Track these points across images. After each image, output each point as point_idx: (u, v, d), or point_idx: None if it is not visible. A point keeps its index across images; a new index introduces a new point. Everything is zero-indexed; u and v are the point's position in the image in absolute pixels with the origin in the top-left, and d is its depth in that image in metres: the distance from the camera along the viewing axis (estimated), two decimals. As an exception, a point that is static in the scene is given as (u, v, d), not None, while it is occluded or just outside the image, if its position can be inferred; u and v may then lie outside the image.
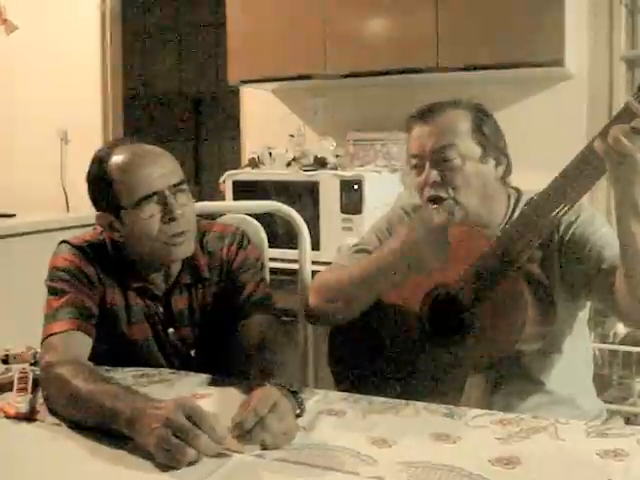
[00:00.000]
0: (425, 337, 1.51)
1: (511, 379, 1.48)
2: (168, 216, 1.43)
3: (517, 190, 1.59)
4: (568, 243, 1.46)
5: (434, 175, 1.49)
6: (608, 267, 1.36)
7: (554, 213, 1.34)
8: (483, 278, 1.40)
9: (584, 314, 1.56)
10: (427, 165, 1.51)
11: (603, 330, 2.59)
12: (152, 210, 1.43)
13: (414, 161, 1.55)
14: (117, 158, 1.45)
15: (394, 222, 1.66)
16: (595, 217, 1.48)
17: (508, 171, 1.57)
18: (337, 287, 1.55)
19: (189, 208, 1.48)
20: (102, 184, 1.46)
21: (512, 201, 1.56)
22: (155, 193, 1.42)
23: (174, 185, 1.45)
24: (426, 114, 1.54)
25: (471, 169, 1.49)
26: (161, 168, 1.44)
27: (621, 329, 2.56)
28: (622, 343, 2.54)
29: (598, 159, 1.21)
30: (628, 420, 2.36)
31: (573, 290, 1.47)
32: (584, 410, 1.51)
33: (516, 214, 1.49)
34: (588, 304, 1.56)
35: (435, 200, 1.51)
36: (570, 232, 1.46)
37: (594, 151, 1.20)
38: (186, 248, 1.48)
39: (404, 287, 1.54)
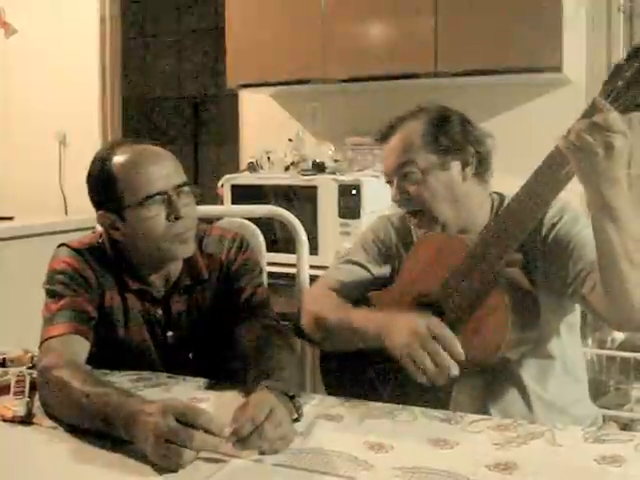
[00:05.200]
0: None
1: (500, 385, 1.47)
2: (173, 215, 1.44)
3: (500, 195, 1.59)
4: (551, 244, 1.45)
5: (398, 193, 1.54)
6: (590, 268, 1.35)
7: (527, 215, 1.34)
8: (463, 285, 1.40)
9: (573, 317, 1.55)
10: (394, 183, 1.55)
11: (601, 336, 2.60)
12: (157, 209, 1.44)
13: (385, 178, 1.60)
14: (120, 157, 1.46)
15: (380, 233, 1.67)
16: (579, 218, 1.47)
17: (484, 167, 1.55)
18: (323, 324, 1.52)
19: (191, 209, 1.49)
20: (105, 183, 1.46)
21: (495, 206, 1.57)
22: (159, 193, 1.43)
23: (178, 186, 1.46)
24: (385, 133, 1.58)
25: (433, 179, 1.51)
26: (165, 169, 1.46)
27: (619, 335, 2.56)
28: (620, 349, 2.54)
29: (566, 159, 1.20)
30: (625, 426, 2.36)
31: (557, 292, 1.45)
32: (577, 417, 1.50)
33: None
34: (577, 308, 1.55)
35: (412, 214, 1.55)
36: (553, 233, 1.45)
37: (561, 151, 1.19)
38: (189, 247, 1.50)
39: (388, 296, 1.56)
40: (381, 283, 1.62)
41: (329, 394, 1.59)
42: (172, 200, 1.44)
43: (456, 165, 1.52)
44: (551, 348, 1.50)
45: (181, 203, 1.45)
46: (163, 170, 1.45)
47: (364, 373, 1.58)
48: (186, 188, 1.48)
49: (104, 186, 1.47)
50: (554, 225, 1.46)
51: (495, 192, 1.60)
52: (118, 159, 1.46)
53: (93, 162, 1.50)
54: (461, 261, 1.41)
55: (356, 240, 1.75)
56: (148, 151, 1.48)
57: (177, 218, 1.44)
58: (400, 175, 1.53)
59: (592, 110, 1.15)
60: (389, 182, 1.58)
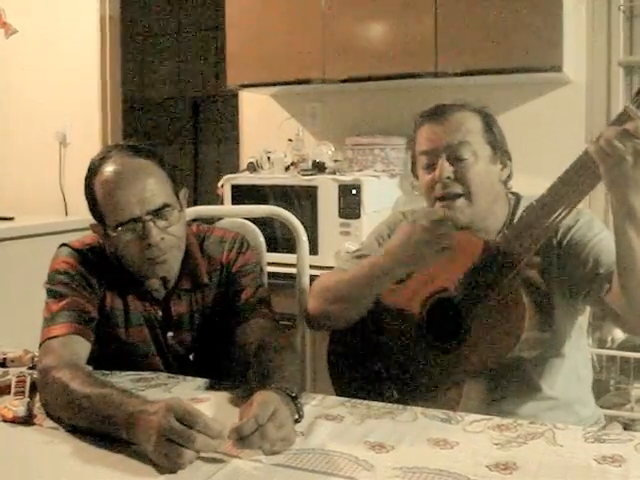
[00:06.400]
0: (424, 342, 1.51)
1: (510, 385, 1.48)
2: (145, 242, 1.42)
3: (516, 195, 1.59)
4: (566, 248, 1.46)
5: (448, 171, 1.49)
6: (605, 272, 1.36)
7: (552, 218, 1.34)
8: (481, 284, 1.40)
9: (583, 319, 1.56)
10: (440, 162, 1.50)
11: (601, 335, 2.59)
12: (129, 236, 1.43)
13: (424, 159, 1.54)
14: (102, 176, 1.44)
15: (395, 227, 1.67)
16: (594, 222, 1.48)
17: (510, 175, 1.58)
18: (336, 288, 1.55)
19: (174, 228, 1.46)
20: (90, 200, 1.47)
21: (511, 206, 1.57)
22: (132, 220, 1.41)
23: (155, 210, 1.43)
24: (436, 113, 1.54)
25: (482, 168, 1.50)
26: (141, 192, 1.41)
27: (619, 334, 2.56)
28: (620, 348, 2.53)
29: (595, 164, 1.22)
30: (625, 426, 2.35)
31: (571, 295, 1.47)
32: (582, 417, 1.51)
33: (515, 219, 1.49)
34: (587, 309, 1.56)
35: (445, 198, 1.51)
36: (568, 237, 1.46)
37: (591, 156, 1.21)
38: (167, 267, 1.48)
39: (403, 291, 1.54)
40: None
41: (336, 389, 1.59)
42: (145, 227, 1.41)
43: (499, 163, 1.54)
44: (562, 349, 1.51)
45: (157, 228, 1.42)
46: (140, 194, 1.41)
47: (374, 370, 1.58)
48: (165, 210, 1.44)
49: (91, 202, 1.47)
50: (570, 228, 1.47)
51: (511, 192, 1.60)
52: (99, 178, 1.44)
53: (86, 171, 1.48)
54: (480, 259, 1.41)
55: (370, 235, 1.74)
56: (128, 171, 1.43)
57: (149, 245, 1.42)
58: (449, 155, 1.49)
59: (622, 117, 1.17)
60: (430, 164, 1.52)
